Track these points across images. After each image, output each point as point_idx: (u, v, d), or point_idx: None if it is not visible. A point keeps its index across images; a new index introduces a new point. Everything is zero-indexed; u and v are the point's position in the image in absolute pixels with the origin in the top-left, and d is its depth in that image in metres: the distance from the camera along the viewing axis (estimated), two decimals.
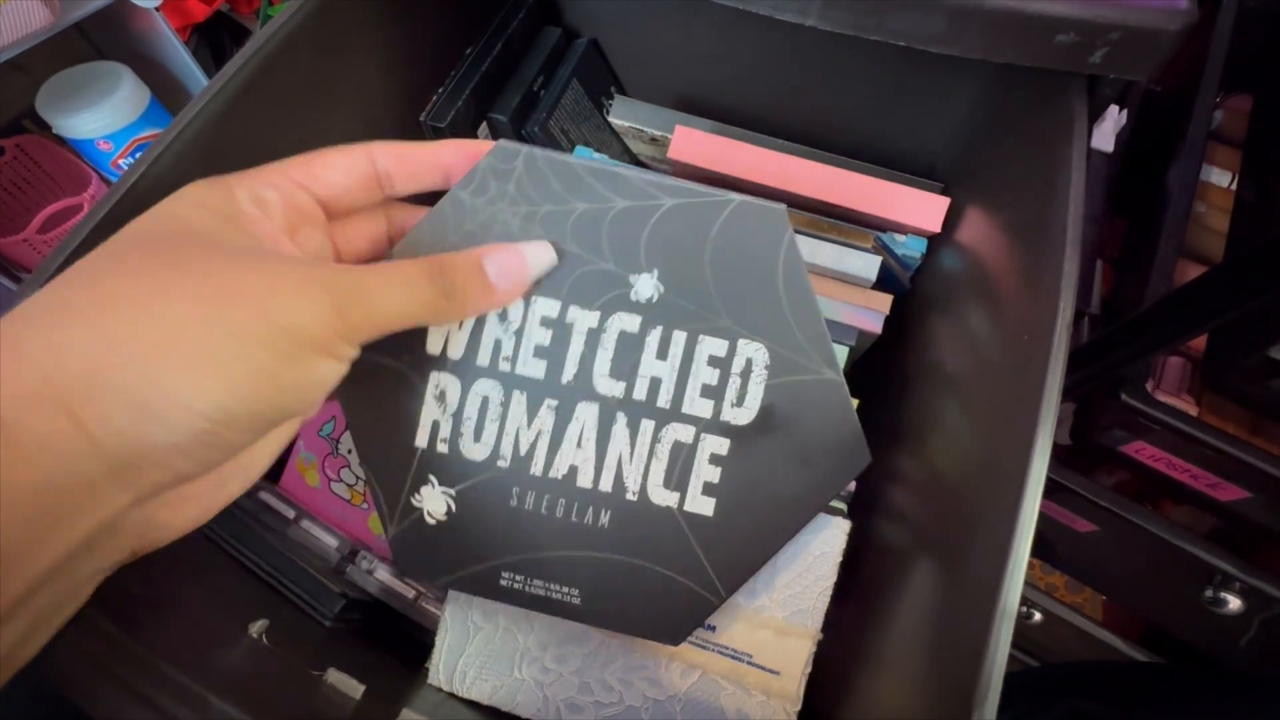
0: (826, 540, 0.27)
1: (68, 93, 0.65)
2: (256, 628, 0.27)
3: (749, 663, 0.26)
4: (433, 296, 0.20)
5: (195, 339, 0.16)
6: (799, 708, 0.27)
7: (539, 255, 0.22)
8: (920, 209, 0.34)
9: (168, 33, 0.68)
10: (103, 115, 0.65)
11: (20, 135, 0.68)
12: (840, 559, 0.27)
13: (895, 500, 0.30)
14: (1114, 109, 0.56)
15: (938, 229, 0.34)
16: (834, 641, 0.30)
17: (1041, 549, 0.63)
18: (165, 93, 0.70)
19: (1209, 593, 0.49)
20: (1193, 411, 0.46)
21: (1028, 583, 0.20)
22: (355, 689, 0.27)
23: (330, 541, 0.34)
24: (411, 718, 0.27)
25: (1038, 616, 0.64)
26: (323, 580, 0.32)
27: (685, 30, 0.41)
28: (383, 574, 0.33)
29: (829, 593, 0.27)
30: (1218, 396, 0.47)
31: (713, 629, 0.26)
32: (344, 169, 0.21)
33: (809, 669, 0.27)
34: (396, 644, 0.34)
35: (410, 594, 0.33)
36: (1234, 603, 0.48)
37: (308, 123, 0.32)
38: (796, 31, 0.29)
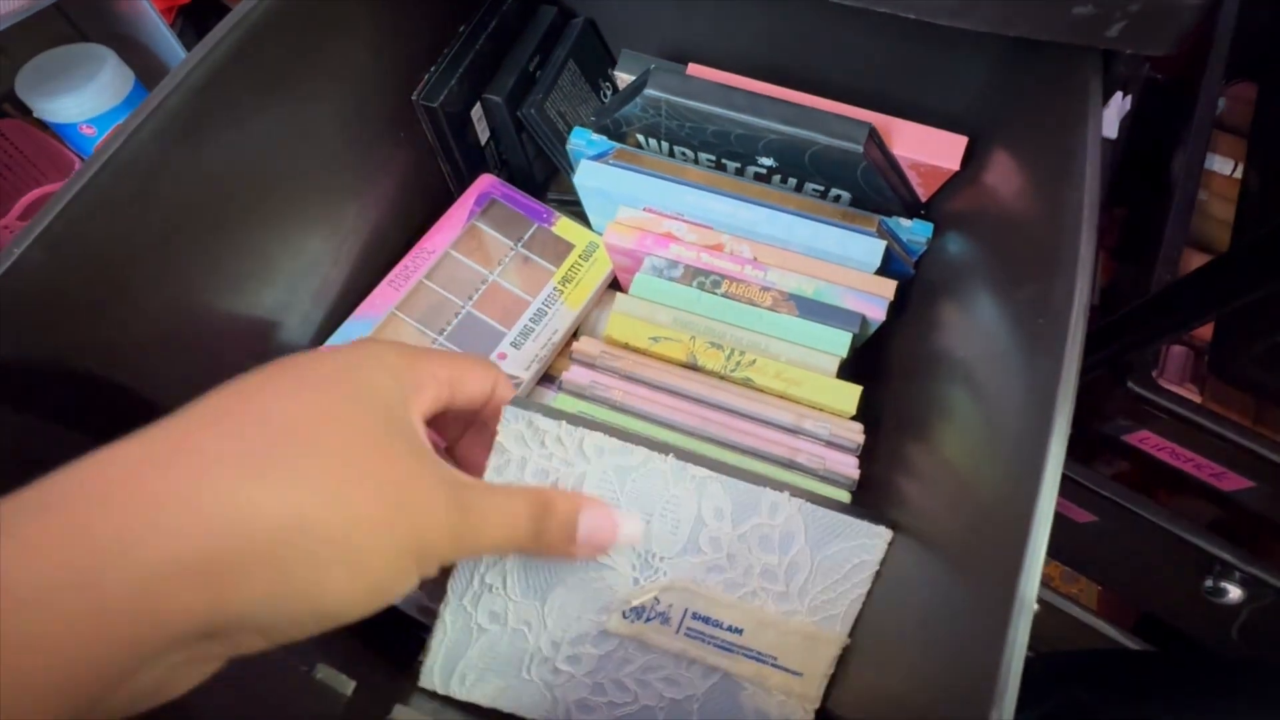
0: (867, 550, 0.25)
1: (49, 76, 0.64)
2: None
3: (773, 665, 0.25)
4: (526, 537, 0.20)
5: (371, 541, 0.16)
6: (818, 705, 0.26)
7: (629, 530, 0.23)
8: (940, 147, 0.34)
9: (151, 14, 0.66)
10: (85, 99, 0.63)
11: (0, 120, 0.66)
12: (878, 569, 0.26)
13: (902, 489, 0.29)
14: (1118, 95, 0.55)
15: (958, 166, 0.33)
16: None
17: None
18: (149, 76, 0.68)
19: (1209, 582, 0.48)
20: (1196, 400, 0.46)
21: None
22: (346, 685, 0.26)
23: None
24: (405, 714, 0.27)
25: (1035, 607, 0.64)
26: None
27: (684, 9, 0.40)
28: None
29: (861, 600, 0.26)
30: (1221, 385, 0.46)
31: (740, 632, 0.25)
32: (479, 386, 0.22)
33: (832, 670, 0.26)
34: (390, 637, 0.33)
35: None
36: (1234, 592, 0.48)
37: (294, 98, 0.31)
38: (801, 5, 0.28)
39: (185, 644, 0.15)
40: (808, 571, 0.25)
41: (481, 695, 0.26)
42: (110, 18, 0.67)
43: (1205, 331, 0.48)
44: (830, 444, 0.31)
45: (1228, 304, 0.37)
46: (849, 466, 0.30)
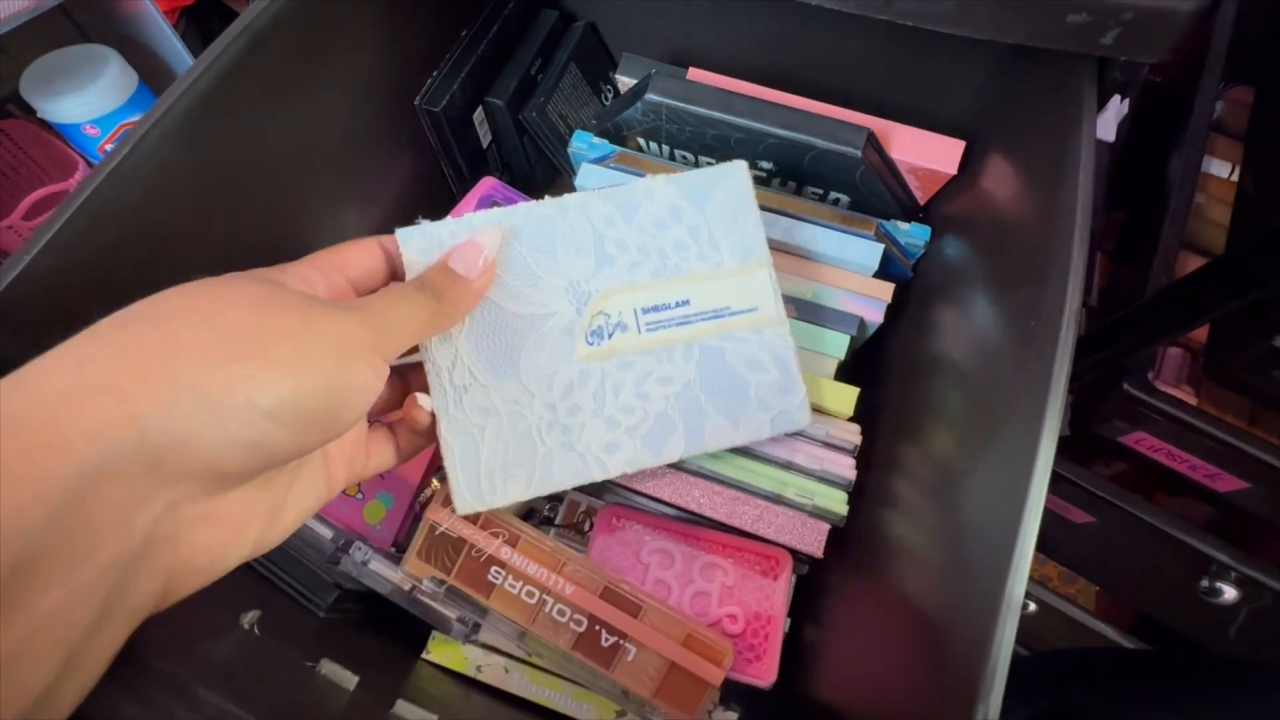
0: (736, 183, 0.28)
1: (53, 76, 0.64)
2: (249, 618, 0.26)
3: (729, 314, 0.28)
4: (428, 302, 0.23)
5: (254, 341, 0.18)
6: (787, 325, 0.28)
7: (488, 238, 0.25)
8: (938, 151, 0.34)
9: (155, 15, 0.66)
10: (89, 99, 0.64)
11: (4, 120, 0.67)
12: (752, 191, 0.28)
13: (897, 490, 0.29)
14: (1116, 98, 0.55)
15: (955, 170, 0.34)
16: (833, 631, 0.30)
17: (1037, 540, 0.63)
18: (153, 77, 0.68)
19: (1204, 583, 0.49)
20: (1192, 402, 0.46)
21: None
22: (349, 680, 0.26)
23: (324, 532, 0.33)
24: (407, 708, 0.27)
25: (1032, 607, 0.64)
26: (316, 571, 0.32)
27: (684, 13, 0.40)
28: (377, 565, 0.33)
29: (760, 221, 0.28)
30: (1216, 388, 0.47)
31: (687, 302, 0.27)
32: (366, 254, 0.25)
33: (778, 291, 0.28)
34: (393, 634, 0.33)
35: (406, 585, 0.33)
36: (1229, 593, 0.48)
37: (298, 104, 0.32)
38: (800, 12, 0.28)
39: (132, 474, 0.16)
40: (706, 226, 0.28)
41: (515, 492, 0.27)
42: (114, 19, 0.67)
43: (1201, 334, 0.49)
44: (827, 445, 0.31)
45: (1224, 307, 0.37)
46: (846, 468, 0.31)
